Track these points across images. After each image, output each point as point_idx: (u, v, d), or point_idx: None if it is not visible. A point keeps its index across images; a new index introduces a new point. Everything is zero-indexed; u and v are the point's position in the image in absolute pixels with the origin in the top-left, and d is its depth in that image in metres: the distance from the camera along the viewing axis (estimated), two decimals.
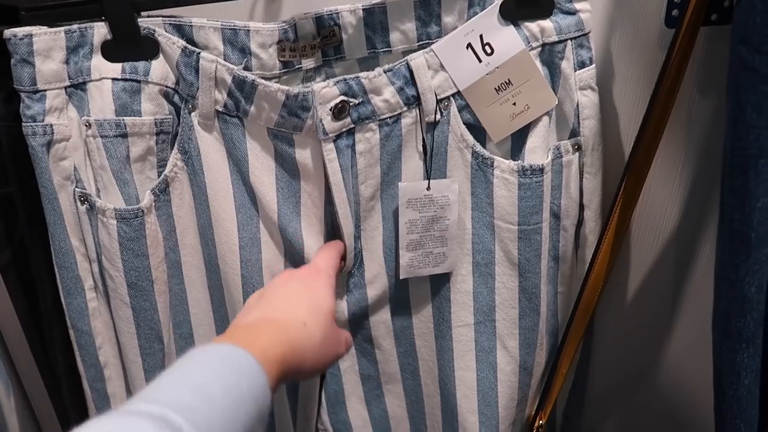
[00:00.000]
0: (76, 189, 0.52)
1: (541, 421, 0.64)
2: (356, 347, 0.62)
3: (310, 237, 0.55)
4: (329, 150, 0.50)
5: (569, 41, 0.50)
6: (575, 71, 0.51)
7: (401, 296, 0.59)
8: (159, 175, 0.53)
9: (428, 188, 0.53)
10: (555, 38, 0.50)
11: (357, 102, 0.49)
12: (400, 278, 0.56)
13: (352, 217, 0.54)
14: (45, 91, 0.48)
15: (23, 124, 0.49)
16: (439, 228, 0.55)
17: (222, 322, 0.60)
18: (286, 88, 0.48)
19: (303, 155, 0.51)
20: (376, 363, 0.63)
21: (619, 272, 0.61)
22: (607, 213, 0.55)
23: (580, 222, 0.58)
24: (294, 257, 0.56)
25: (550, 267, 0.59)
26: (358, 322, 0.60)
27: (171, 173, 0.53)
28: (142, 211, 0.52)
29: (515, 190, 0.53)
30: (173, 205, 0.54)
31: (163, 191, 0.53)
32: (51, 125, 0.49)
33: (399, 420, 0.66)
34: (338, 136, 0.50)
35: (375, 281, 0.58)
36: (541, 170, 0.52)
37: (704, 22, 0.46)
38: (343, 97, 0.49)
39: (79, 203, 0.53)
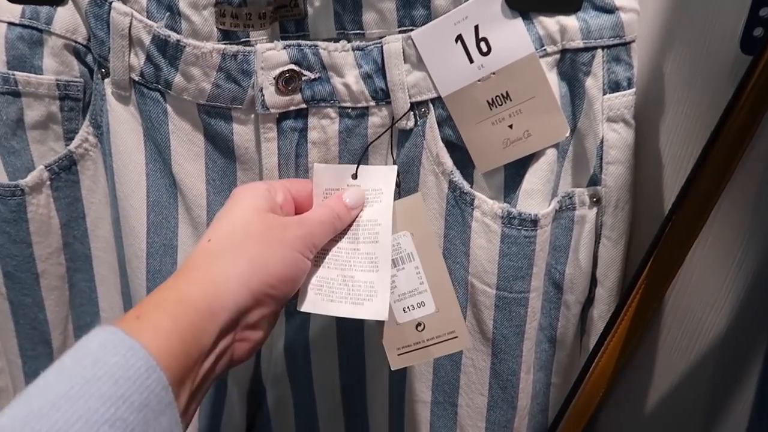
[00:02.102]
0: None
1: None
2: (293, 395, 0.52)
3: None
4: (268, 128, 0.40)
5: (600, 50, 0.36)
6: (604, 94, 0.37)
7: (351, 337, 0.48)
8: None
9: (355, 176, 0.40)
10: (580, 44, 0.36)
11: (312, 77, 0.39)
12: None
13: None
14: None
15: None
16: (366, 237, 0.39)
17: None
18: (222, 46, 0.38)
19: (243, 137, 0.41)
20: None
21: (634, 379, 0.45)
22: (624, 295, 0.40)
23: (590, 301, 0.43)
24: None
25: (543, 350, 0.45)
26: (295, 362, 0.49)
27: (80, 149, 0.44)
28: (22, 189, 0.42)
29: (497, 242, 0.39)
30: (83, 188, 0.45)
31: (66, 169, 0.44)
32: None
33: None
34: (284, 116, 0.40)
35: (318, 316, 0.46)
36: (535, 222, 0.38)
37: None
38: (293, 66, 0.38)
39: None
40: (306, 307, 0.37)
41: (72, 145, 0.43)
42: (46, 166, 0.43)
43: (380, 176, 0.39)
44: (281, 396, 0.51)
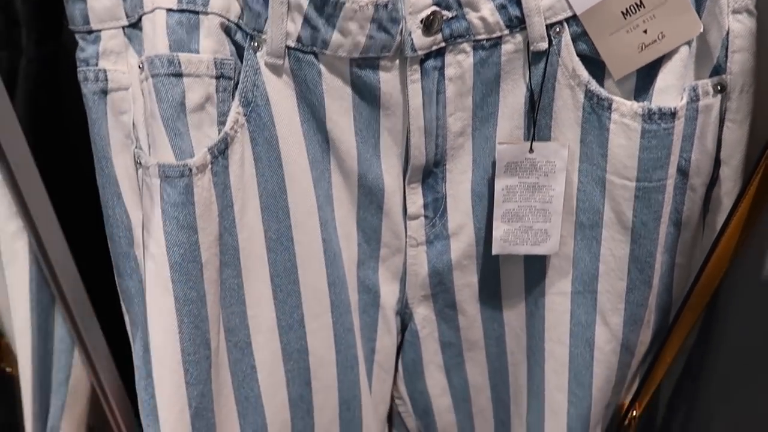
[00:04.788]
0: (136, 150, 0.45)
1: (635, 413, 0.57)
2: (436, 313, 0.56)
3: (391, 180, 0.49)
4: (414, 71, 0.44)
5: None
6: None
7: (489, 255, 0.52)
8: (219, 133, 0.44)
9: (531, 150, 0.46)
10: None
11: (450, 16, 0.42)
12: (493, 254, 0.50)
13: (427, 151, 0.48)
14: (99, 31, 0.43)
15: (77, 69, 0.44)
16: (541, 199, 0.47)
17: (287, 325, 0.50)
18: None
19: (388, 83, 0.44)
20: (459, 330, 0.57)
21: (757, 246, 0.50)
22: (749, 172, 0.45)
23: (713, 181, 0.48)
24: (368, 206, 0.50)
25: (669, 233, 0.50)
26: (440, 282, 0.54)
27: (231, 131, 0.44)
28: (190, 169, 0.42)
29: (637, 138, 0.43)
30: (231, 174, 0.44)
31: (221, 153, 0.44)
32: (104, 70, 0.43)
33: (480, 388, 0.61)
34: (426, 57, 0.44)
35: (460, 233, 0.52)
36: (673, 115, 0.42)
37: None
38: (435, 8, 0.42)
39: (137, 165, 0.45)
40: (495, 251, 0.50)
41: (227, 126, 0.43)
42: (209, 149, 0.43)
43: (552, 151, 0.46)
44: (426, 316, 0.56)
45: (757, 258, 0.52)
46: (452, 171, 0.50)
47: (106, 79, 0.44)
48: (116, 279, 0.49)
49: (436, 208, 0.51)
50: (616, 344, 0.52)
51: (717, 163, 0.47)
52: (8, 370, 0.64)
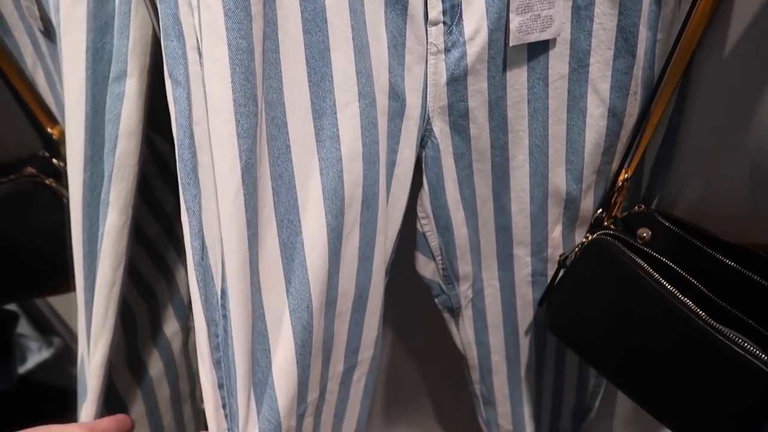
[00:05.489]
0: None
1: (626, 175, 0.68)
2: (450, 125, 0.60)
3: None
4: None
5: None
6: None
7: (498, 55, 0.58)
8: None
9: None
10: None
11: None
12: (510, 45, 0.55)
13: None
14: None
15: None
16: None
17: (320, 109, 0.52)
18: None
19: None
20: (470, 140, 0.62)
21: (723, 18, 0.60)
22: None
23: None
24: (395, 4, 0.55)
25: (651, 11, 0.59)
26: (455, 91, 0.59)
27: None
28: None
29: None
30: None
31: None
32: None
33: (484, 200, 0.66)
34: None
35: (475, 37, 0.56)
36: None
37: None
38: None
39: None
40: (512, 42, 0.56)
41: None
42: None
43: None
44: (442, 129, 0.60)
45: (723, 32, 0.62)
46: None
47: None
48: (162, 41, 0.49)
49: (453, 14, 0.56)
50: (604, 109, 0.61)
51: None
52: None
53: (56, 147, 0.76)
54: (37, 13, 0.64)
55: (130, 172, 0.60)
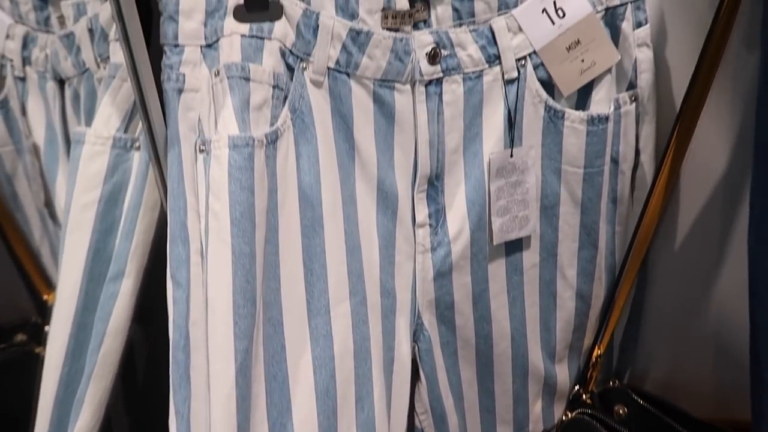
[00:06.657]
0: (198, 140, 0.52)
1: (599, 351, 0.72)
2: (438, 317, 0.63)
3: (402, 190, 0.59)
4: (421, 92, 0.56)
5: (629, 4, 0.58)
6: (633, 30, 0.59)
7: (480, 252, 0.62)
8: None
9: (511, 156, 0.60)
10: (617, 2, 0.58)
11: (446, 53, 0.56)
12: (494, 243, 0.61)
13: (431, 162, 0.59)
14: (184, 46, 0.53)
15: (162, 73, 0.53)
16: (521, 192, 0.60)
17: (315, 309, 0.55)
18: (393, 34, 0.55)
19: (401, 102, 0.57)
20: (455, 329, 0.64)
21: (672, 212, 0.69)
22: (660, 157, 0.63)
23: (636, 166, 0.66)
24: (385, 210, 0.60)
25: (609, 208, 0.67)
26: (441, 285, 0.62)
27: (282, 127, 0.52)
28: (253, 140, 0.49)
29: (583, 137, 0.61)
30: (277, 164, 0.52)
31: (272, 142, 0.52)
32: (183, 74, 0.52)
33: (469, 383, 0.68)
34: (429, 83, 0.57)
35: (459, 237, 0.61)
36: (606, 118, 0.60)
37: None
38: (435, 45, 0.56)
39: (198, 153, 0.52)
40: (496, 241, 0.61)
41: (278, 122, 0.53)
42: (264, 134, 0.51)
43: (525, 152, 0.60)
44: (430, 321, 0.64)
45: (672, 225, 0.70)
46: (449, 184, 0.60)
47: (183, 81, 0.52)
48: (168, 246, 0.53)
49: (438, 217, 0.61)
50: (572, 293, 0.68)
51: (637, 152, 0.65)
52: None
53: (50, 313, 0.75)
54: (43, 199, 0.66)
55: (110, 370, 0.60)
